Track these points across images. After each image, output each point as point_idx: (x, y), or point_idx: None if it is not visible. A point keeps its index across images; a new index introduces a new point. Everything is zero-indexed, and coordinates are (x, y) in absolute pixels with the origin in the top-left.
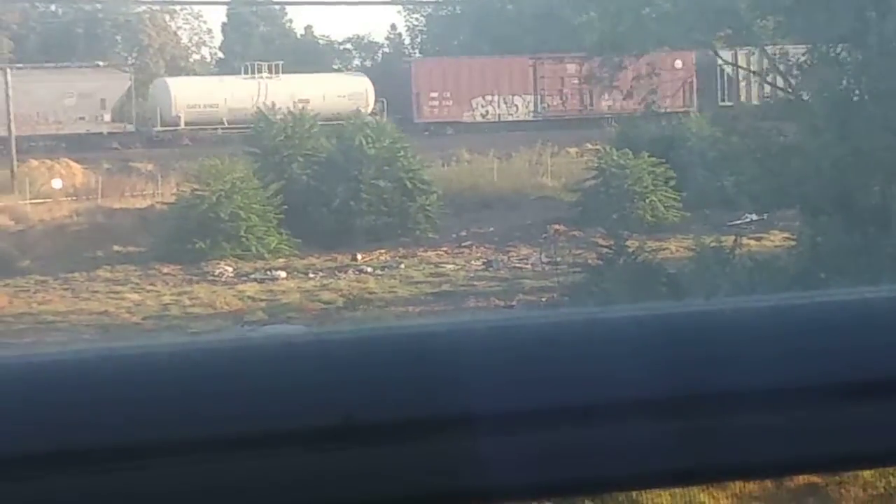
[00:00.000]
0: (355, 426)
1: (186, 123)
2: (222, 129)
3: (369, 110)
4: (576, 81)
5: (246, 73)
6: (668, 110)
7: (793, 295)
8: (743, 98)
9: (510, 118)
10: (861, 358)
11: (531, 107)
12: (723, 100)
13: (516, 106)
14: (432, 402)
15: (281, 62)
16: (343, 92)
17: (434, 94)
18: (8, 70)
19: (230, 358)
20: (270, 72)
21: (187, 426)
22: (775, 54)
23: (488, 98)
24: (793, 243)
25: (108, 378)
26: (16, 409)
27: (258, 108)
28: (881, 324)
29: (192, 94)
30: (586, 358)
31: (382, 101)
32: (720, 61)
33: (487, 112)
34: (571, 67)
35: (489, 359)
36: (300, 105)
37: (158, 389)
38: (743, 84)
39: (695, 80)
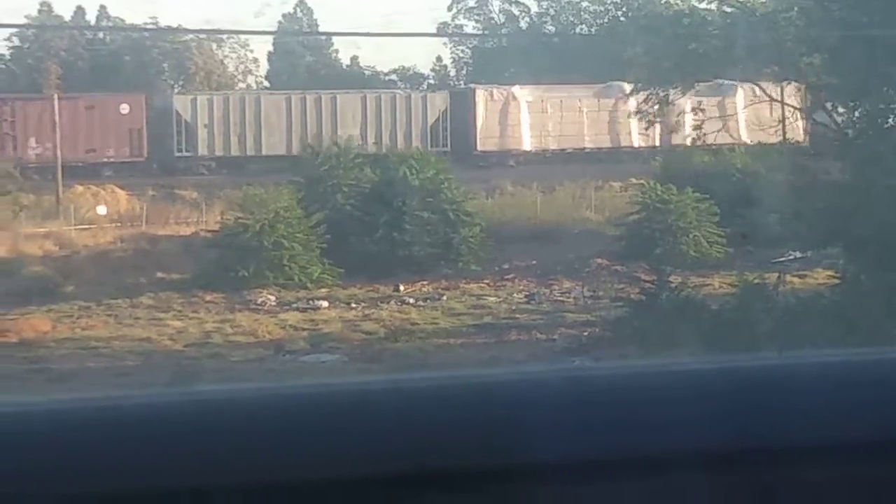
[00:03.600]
0: (429, 473)
1: None
2: None
3: None
4: None
5: None
6: (113, 160)
7: (859, 351)
8: (202, 150)
9: None
10: None
11: None
12: (180, 150)
13: None
14: (503, 451)
15: None
16: None
17: None
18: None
19: (310, 404)
20: None
21: (265, 470)
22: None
23: None
24: (837, 281)
25: (194, 420)
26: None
27: None
28: None
29: None
30: (650, 410)
31: None
32: (177, 106)
33: None
34: None
35: (557, 409)
36: None
37: (241, 434)
38: (203, 132)
39: (145, 126)
